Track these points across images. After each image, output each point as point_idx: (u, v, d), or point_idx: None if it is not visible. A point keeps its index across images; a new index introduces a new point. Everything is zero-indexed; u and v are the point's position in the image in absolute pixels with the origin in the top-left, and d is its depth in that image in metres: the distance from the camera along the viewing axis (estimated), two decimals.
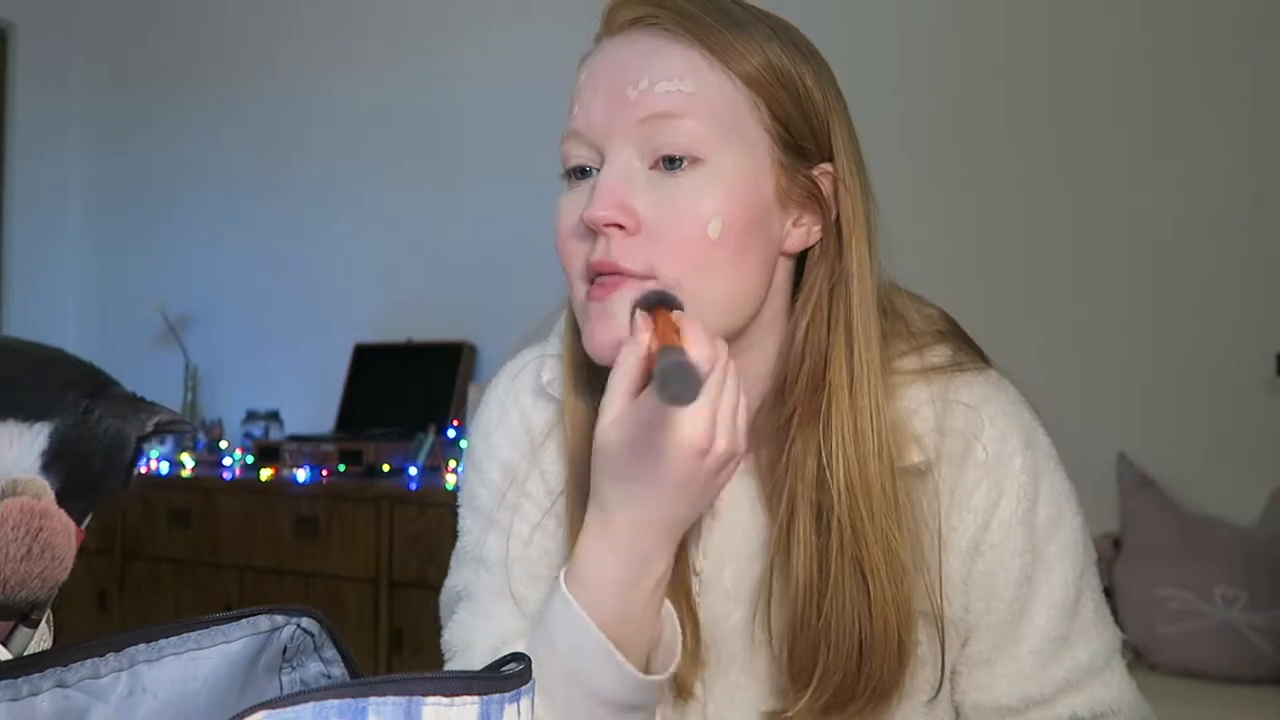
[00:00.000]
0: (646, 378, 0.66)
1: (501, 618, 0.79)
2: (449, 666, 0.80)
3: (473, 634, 0.80)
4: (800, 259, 0.75)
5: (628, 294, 0.68)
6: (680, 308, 0.67)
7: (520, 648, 0.72)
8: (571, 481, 0.78)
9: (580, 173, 0.73)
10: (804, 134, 0.71)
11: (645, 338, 0.66)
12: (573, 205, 0.72)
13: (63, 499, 0.56)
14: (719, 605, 0.77)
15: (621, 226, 0.68)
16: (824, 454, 0.71)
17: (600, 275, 0.69)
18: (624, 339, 0.67)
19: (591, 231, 0.70)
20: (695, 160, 0.69)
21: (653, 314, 0.67)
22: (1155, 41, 2.34)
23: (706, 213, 0.68)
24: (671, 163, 0.69)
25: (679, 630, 0.73)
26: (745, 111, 0.70)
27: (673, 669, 0.72)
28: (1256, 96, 2.25)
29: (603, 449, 0.67)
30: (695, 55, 0.69)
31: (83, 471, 0.57)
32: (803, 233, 0.73)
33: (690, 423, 0.65)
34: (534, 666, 0.67)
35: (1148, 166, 2.33)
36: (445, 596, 0.86)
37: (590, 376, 0.77)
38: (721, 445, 0.66)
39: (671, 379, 0.56)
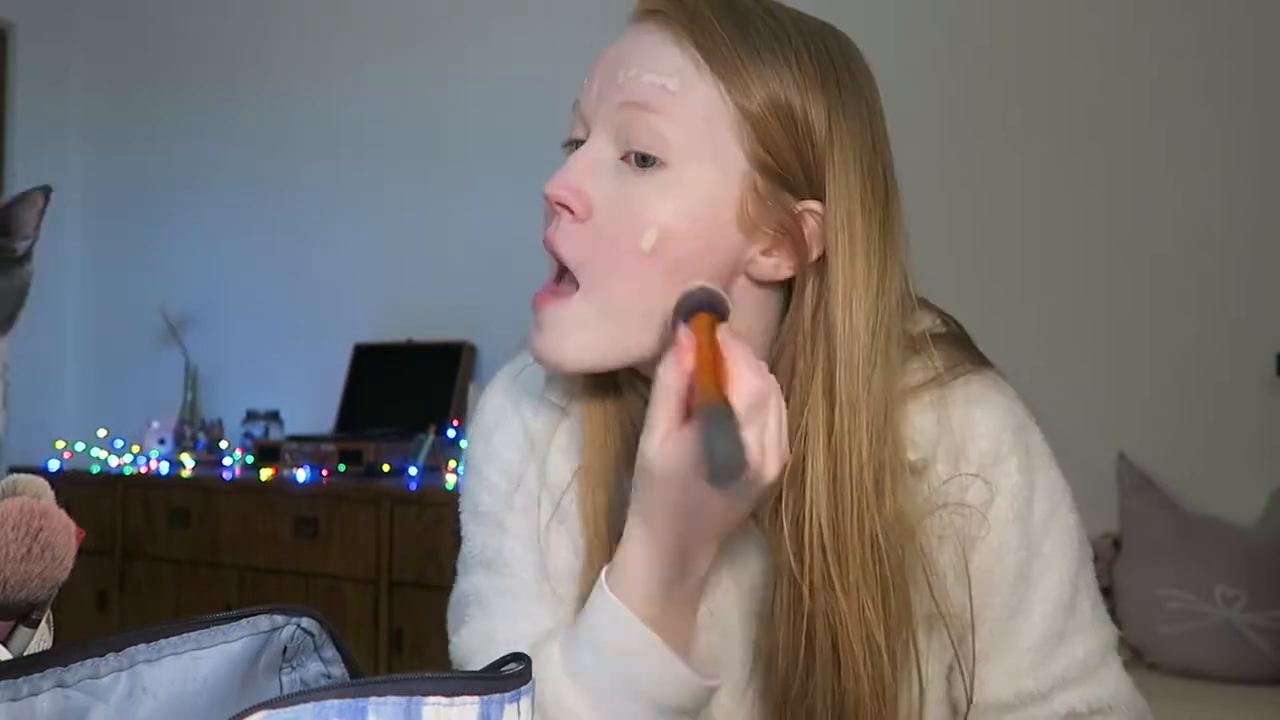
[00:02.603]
0: (691, 396, 0.64)
1: (519, 618, 0.78)
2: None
3: (490, 637, 0.78)
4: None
5: (558, 310, 0.70)
6: (725, 315, 0.65)
7: (546, 645, 0.71)
8: (585, 480, 0.78)
9: (576, 146, 0.73)
10: (789, 166, 0.68)
11: (688, 361, 0.63)
12: None
13: None
14: (717, 645, 0.76)
15: (571, 211, 0.69)
16: (800, 511, 0.68)
17: (557, 266, 0.71)
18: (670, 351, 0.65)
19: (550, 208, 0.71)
20: (660, 164, 0.68)
21: (696, 320, 0.64)
22: (1153, 40, 2.34)
23: (646, 222, 0.67)
24: (642, 161, 0.68)
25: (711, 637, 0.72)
26: (726, 128, 0.68)
27: (720, 680, 0.70)
28: (1256, 95, 2.25)
29: (651, 472, 0.65)
30: (691, 60, 0.68)
31: None
32: (771, 265, 0.70)
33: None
34: (576, 671, 0.67)
35: (1147, 165, 2.33)
36: (454, 603, 0.84)
37: (605, 376, 0.77)
38: (772, 468, 0.64)
39: (721, 474, 0.54)
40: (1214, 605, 1.98)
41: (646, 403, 0.76)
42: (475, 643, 0.79)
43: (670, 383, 0.64)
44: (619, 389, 0.78)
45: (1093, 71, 2.38)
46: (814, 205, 0.69)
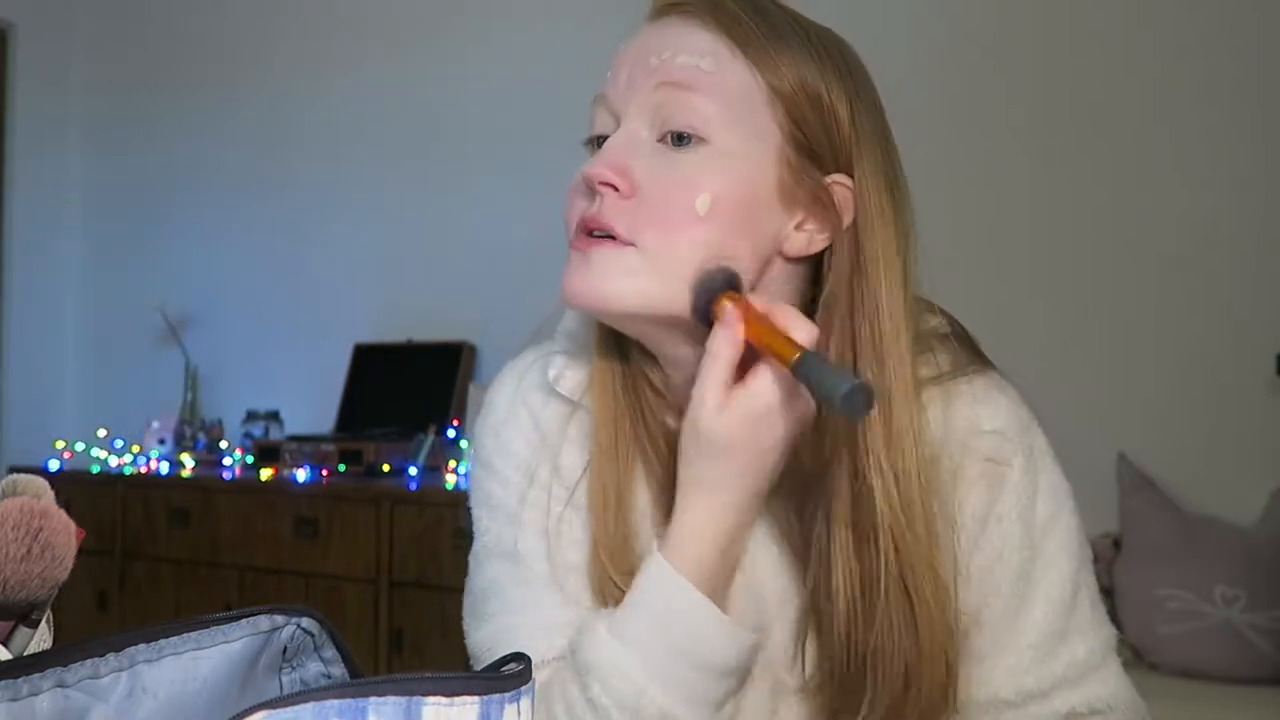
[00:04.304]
0: (742, 368, 0.68)
1: (540, 609, 0.78)
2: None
3: (512, 630, 0.78)
4: (818, 273, 0.75)
5: (608, 253, 0.70)
6: (740, 288, 0.70)
7: (591, 626, 0.72)
8: (596, 474, 0.78)
9: (600, 142, 0.74)
10: (819, 140, 0.72)
11: (741, 329, 0.67)
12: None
13: None
14: None
15: (616, 188, 0.70)
16: (863, 473, 0.70)
17: (589, 231, 0.72)
18: (723, 325, 0.68)
19: (591, 190, 0.72)
20: (700, 140, 0.70)
21: (722, 300, 0.68)
22: (1156, 40, 2.34)
23: (698, 188, 0.69)
24: (680, 140, 0.70)
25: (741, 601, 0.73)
26: (760, 104, 0.71)
27: (759, 635, 0.72)
28: (1260, 95, 2.25)
29: (712, 442, 0.68)
30: (724, 43, 0.71)
31: None
32: (804, 239, 0.73)
33: (804, 399, 0.67)
34: (630, 642, 0.69)
35: (1150, 166, 2.33)
36: (471, 595, 0.83)
37: (620, 338, 0.78)
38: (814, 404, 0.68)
39: (854, 402, 0.59)
40: (1214, 605, 1.98)
41: (654, 390, 0.78)
42: (499, 637, 0.79)
43: (722, 350, 0.67)
44: (625, 379, 0.78)
45: (1096, 71, 2.38)
46: (841, 178, 0.72)
